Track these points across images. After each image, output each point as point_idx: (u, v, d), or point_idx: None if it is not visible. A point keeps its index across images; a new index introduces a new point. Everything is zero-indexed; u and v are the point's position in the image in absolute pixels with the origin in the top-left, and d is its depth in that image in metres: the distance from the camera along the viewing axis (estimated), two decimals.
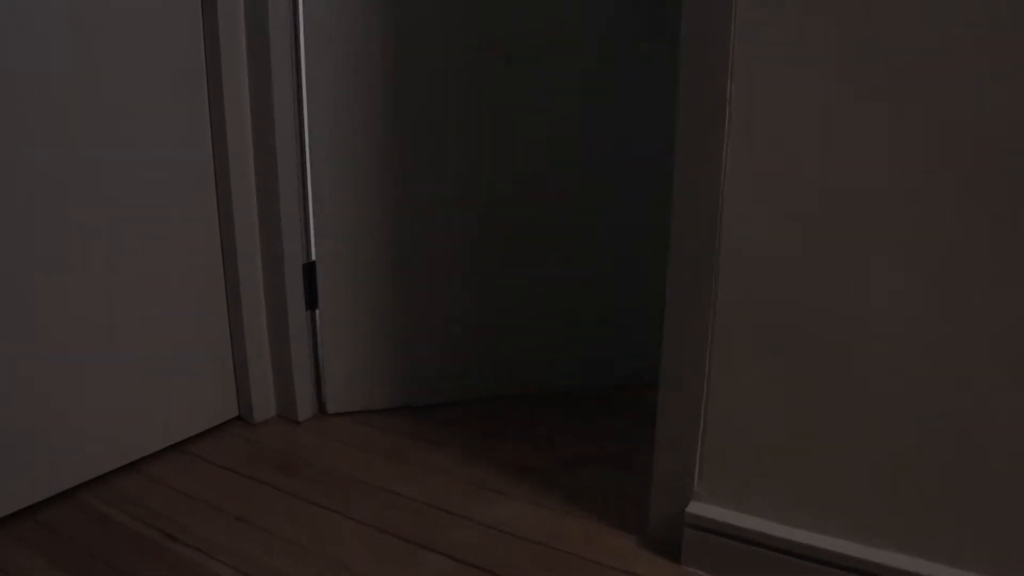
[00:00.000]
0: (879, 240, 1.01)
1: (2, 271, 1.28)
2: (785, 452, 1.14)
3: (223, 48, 1.55)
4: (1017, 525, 1.00)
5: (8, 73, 1.24)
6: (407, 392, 1.84)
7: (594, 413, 1.81)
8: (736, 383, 1.16)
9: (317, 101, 1.61)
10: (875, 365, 1.05)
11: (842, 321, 1.06)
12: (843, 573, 1.10)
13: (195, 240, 1.62)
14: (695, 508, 1.23)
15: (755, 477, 1.18)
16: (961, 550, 1.04)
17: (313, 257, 1.72)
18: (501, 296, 1.79)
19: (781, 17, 1.01)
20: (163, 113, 1.50)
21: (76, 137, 1.36)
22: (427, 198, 1.68)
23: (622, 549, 1.30)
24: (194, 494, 1.49)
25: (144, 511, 1.43)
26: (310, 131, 1.62)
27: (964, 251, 0.96)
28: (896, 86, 0.96)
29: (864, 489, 1.09)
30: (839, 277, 1.05)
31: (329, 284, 1.73)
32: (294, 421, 1.81)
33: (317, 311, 1.77)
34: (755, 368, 1.14)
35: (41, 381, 1.37)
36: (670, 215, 1.15)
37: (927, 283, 0.99)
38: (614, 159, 1.70)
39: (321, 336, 1.78)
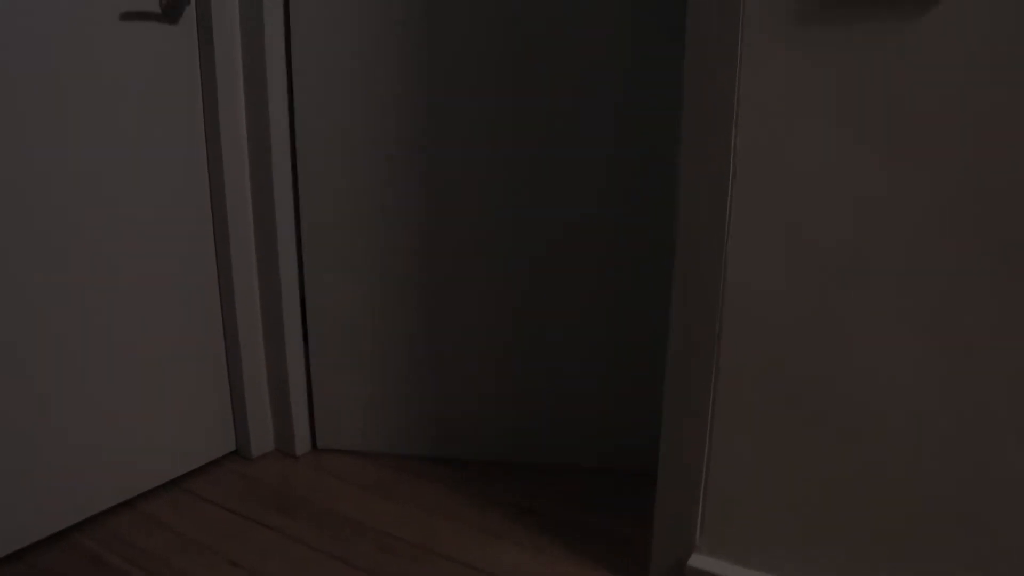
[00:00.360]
0: (889, 304, 0.99)
1: None
2: (788, 511, 1.11)
3: (220, 93, 1.53)
4: None
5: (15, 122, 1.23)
6: (403, 440, 1.78)
7: (604, 489, 1.75)
8: (739, 442, 1.13)
9: (308, 142, 1.60)
10: (882, 433, 1.02)
11: (850, 385, 1.03)
12: None
13: (192, 274, 1.60)
14: (697, 561, 1.20)
15: (758, 533, 1.15)
16: None
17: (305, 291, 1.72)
18: (512, 354, 1.67)
19: (789, 67, 0.99)
20: (161, 161, 1.49)
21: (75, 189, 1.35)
22: (428, 240, 1.64)
23: None
24: (189, 535, 1.47)
25: (137, 553, 1.40)
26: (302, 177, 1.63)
27: (975, 315, 0.94)
28: (910, 148, 0.94)
29: (867, 552, 1.06)
30: (845, 340, 1.02)
31: (322, 322, 1.71)
32: (292, 455, 1.79)
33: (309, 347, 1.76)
34: (758, 427, 1.11)
35: (34, 419, 1.36)
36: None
37: (937, 351, 0.97)
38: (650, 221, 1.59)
39: (314, 372, 1.76)
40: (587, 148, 1.49)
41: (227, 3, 1.52)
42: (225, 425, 1.75)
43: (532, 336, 1.63)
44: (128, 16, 1.39)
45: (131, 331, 1.49)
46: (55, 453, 1.40)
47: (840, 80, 0.96)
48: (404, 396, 1.73)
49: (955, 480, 0.99)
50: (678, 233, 1.11)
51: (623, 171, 1.48)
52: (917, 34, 0.91)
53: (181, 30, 1.49)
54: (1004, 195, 0.89)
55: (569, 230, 1.54)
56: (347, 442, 1.79)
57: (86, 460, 1.45)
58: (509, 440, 1.72)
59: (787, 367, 1.07)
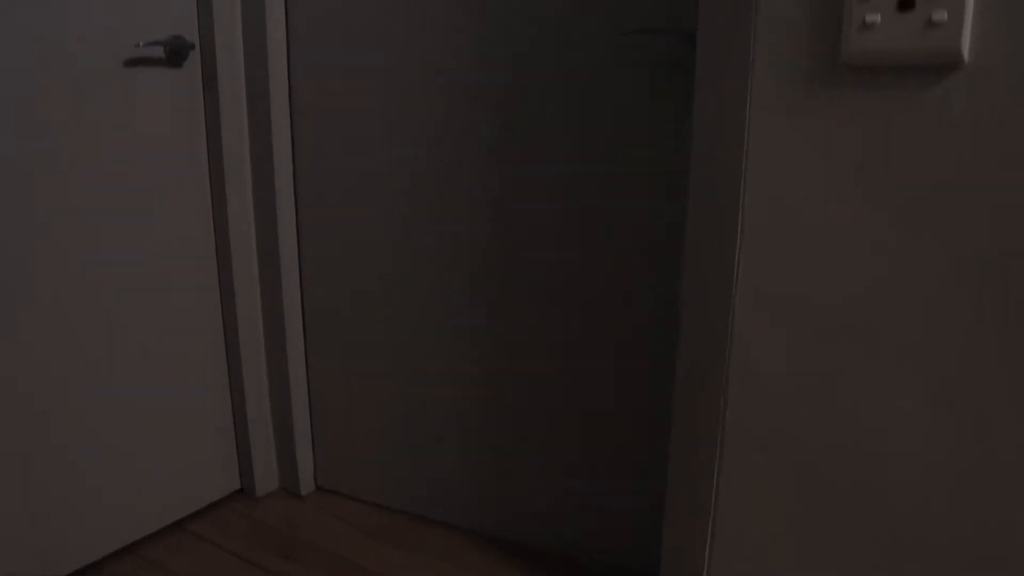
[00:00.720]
0: (898, 371, 0.97)
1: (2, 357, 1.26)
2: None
3: (224, 135, 1.53)
4: None
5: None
6: (402, 495, 1.73)
7: None
8: (745, 509, 1.11)
9: (307, 180, 1.59)
10: (890, 502, 1.00)
11: (858, 451, 1.01)
12: None
13: (196, 313, 1.59)
14: None
15: None
16: None
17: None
18: (514, 419, 1.55)
19: (800, 128, 0.97)
20: (166, 206, 1.48)
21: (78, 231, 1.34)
22: (430, 288, 1.60)
23: None
24: None
25: None
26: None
27: (985, 383, 0.92)
28: (924, 215, 0.92)
29: None
30: (852, 406, 1.00)
31: (321, 367, 1.70)
32: (296, 495, 1.78)
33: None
34: (765, 496, 1.09)
35: (33, 463, 1.35)
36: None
37: (945, 419, 0.94)
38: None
39: (315, 416, 1.75)
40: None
41: (231, 47, 1.51)
42: (229, 464, 1.74)
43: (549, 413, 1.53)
44: (132, 63, 1.38)
45: (133, 372, 1.49)
46: (54, 498, 1.39)
47: (853, 143, 0.95)
48: (407, 453, 1.71)
49: (964, 549, 0.97)
50: (684, 292, 1.09)
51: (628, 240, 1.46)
52: (932, 102, 0.90)
53: (185, 74, 1.48)
54: (1017, 266, 0.87)
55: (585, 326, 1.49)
56: (351, 487, 1.78)
57: (86, 504, 1.44)
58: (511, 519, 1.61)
59: (794, 433, 1.05)
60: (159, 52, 1.42)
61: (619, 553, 1.50)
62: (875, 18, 0.89)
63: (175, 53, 1.44)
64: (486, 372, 1.54)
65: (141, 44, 1.35)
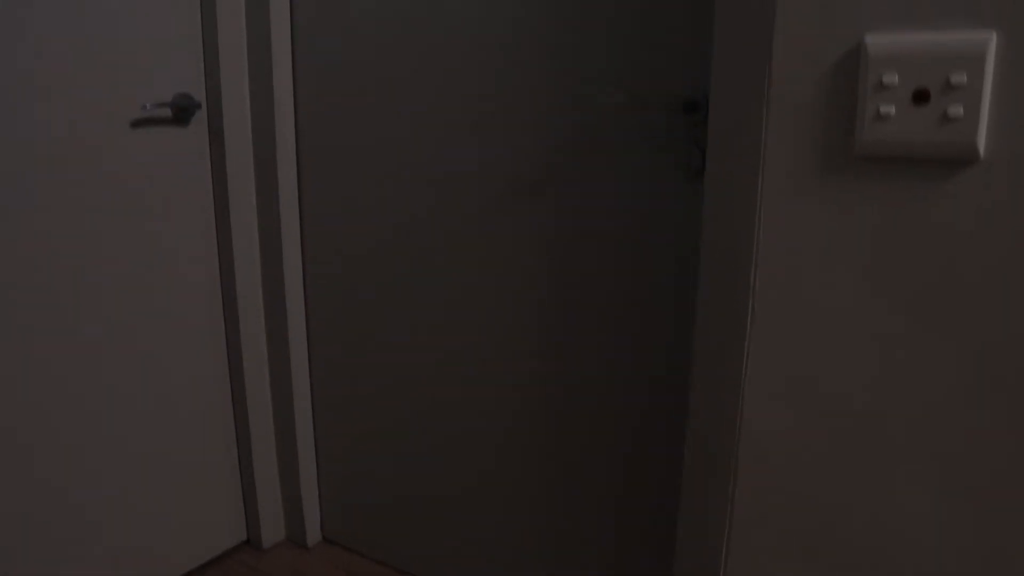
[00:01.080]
0: (904, 454, 0.95)
1: (8, 417, 1.26)
2: None
3: (231, 192, 1.52)
4: None
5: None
6: (406, 552, 1.71)
7: None
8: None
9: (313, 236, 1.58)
10: None
11: (867, 540, 0.99)
12: None
13: (204, 364, 1.59)
14: None
15: None
16: None
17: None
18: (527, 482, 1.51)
19: (812, 215, 0.96)
20: (173, 263, 1.48)
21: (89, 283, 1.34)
22: (438, 347, 1.59)
23: None
24: None
25: None
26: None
27: (991, 470, 0.90)
28: (933, 309, 0.91)
29: None
30: (861, 494, 0.99)
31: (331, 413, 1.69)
32: (303, 546, 1.77)
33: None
34: (773, 568, 1.07)
35: (36, 516, 1.34)
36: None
37: (957, 505, 0.93)
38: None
39: (321, 466, 1.74)
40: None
41: (238, 104, 1.50)
42: (236, 515, 1.73)
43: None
44: (139, 123, 1.38)
45: (140, 425, 1.48)
46: (60, 549, 1.38)
47: (865, 232, 0.93)
48: (404, 510, 1.70)
49: None
50: (693, 375, 1.08)
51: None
52: (946, 195, 0.88)
53: (192, 132, 1.48)
54: None
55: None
56: (357, 538, 1.77)
57: (92, 555, 1.43)
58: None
59: (802, 518, 1.03)
60: (166, 112, 1.41)
61: None
62: (890, 109, 0.88)
63: (182, 111, 1.43)
64: (497, 435, 1.53)
65: (148, 106, 1.35)
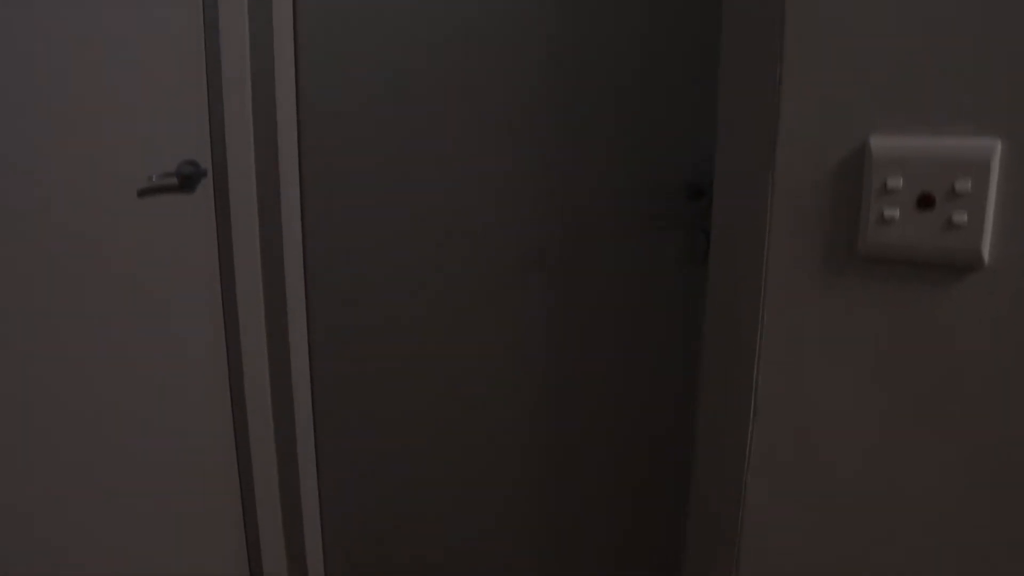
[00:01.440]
0: (911, 547, 0.94)
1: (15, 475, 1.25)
2: None
3: (236, 257, 1.53)
4: None
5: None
6: None
7: None
8: None
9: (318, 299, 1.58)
10: None
11: None
12: None
13: (208, 431, 1.59)
14: None
15: None
16: None
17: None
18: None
19: (816, 312, 0.95)
20: (179, 326, 1.48)
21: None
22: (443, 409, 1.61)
23: None
24: None
25: None
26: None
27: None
28: (939, 415, 0.90)
29: None
30: None
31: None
32: None
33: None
34: None
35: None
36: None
37: None
38: None
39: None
40: None
41: (244, 171, 1.51)
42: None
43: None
44: (146, 192, 1.39)
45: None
46: None
47: (868, 333, 0.93)
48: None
49: None
50: (695, 477, 1.07)
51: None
52: (950, 300, 0.87)
53: (198, 198, 1.48)
54: None
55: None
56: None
57: None
58: None
59: None
60: (172, 181, 1.42)
61: None
62: (894, 213, 0.87)
63: (188, 180, 1.44)
64: (500, 484, 1.52)
65: (154, 177, 1.35)
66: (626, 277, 1.26)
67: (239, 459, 1.66)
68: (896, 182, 0.86)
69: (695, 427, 1.06)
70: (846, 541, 0.98)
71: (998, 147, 0.83)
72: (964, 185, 0.83)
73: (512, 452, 1.47)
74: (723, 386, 1.03)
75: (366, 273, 1.54)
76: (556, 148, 1.29)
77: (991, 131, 0.83)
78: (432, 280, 1.47)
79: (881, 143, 0.87)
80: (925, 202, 0.86)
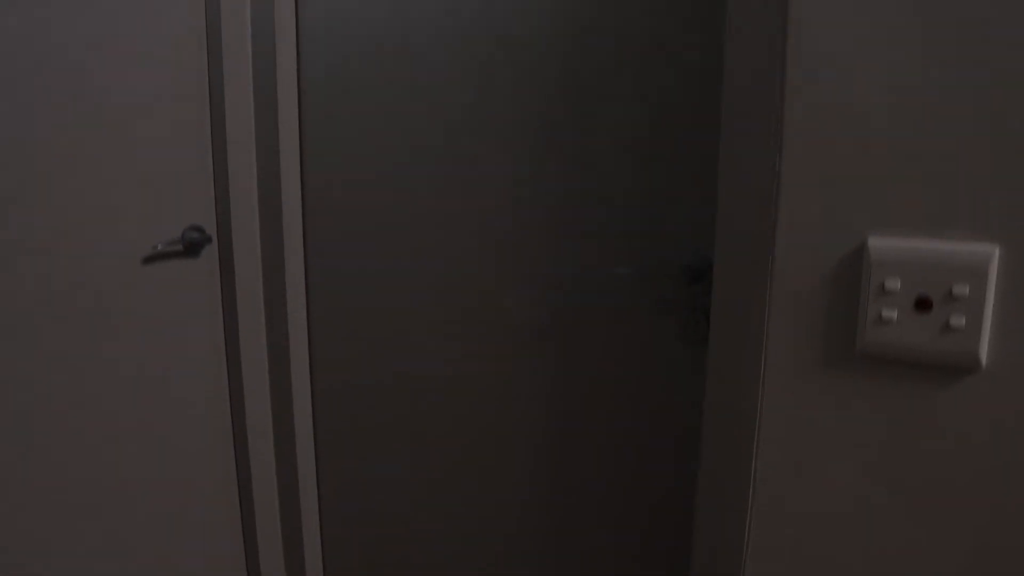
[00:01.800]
0: None
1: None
2: None
3: (241, 320, 1.53)
4: None
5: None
6: None
7: None
8: None
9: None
10: None
11: None
12: None
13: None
14: None
15: None
16: None
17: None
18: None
19: (814, 407, 0.95)
20: (183, 390, 1.48)
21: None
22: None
23: None
24: None
25: None
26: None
27: None
28: (933, 505, 0.89)
29: None
30: None
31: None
32: None
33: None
34: None
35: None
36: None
37: None
38: None
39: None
40: None
41: (248, 235, 1.52)
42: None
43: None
44: (151, 259, 1.40)
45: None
46: None
47: (865, 430, 0.93)
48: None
49: None
50: (694, 556, 1.07)
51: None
52: (948, 401, 0.87)
53: (202, 263, 1.50)
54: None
55: None
56: None
57: None
58: None
59: None
60: (177, 247, 1.43)
61: None
62: (892, 314, 0.88)
63: (192, 246, 1.45)
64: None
65: (159, 246, 1.37)
66: (626, 355, 1.26)
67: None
68: (894, 284, 0.87)
69: (694, 515, 1.06)
70: None
71: (996, 253, 0.83)
72: (962, 290, 0.84)
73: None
74: (721, 477, 1.03)
75: (370, 335, 1.54)
76: (558, 228, 1.30)
77: (988, 236, 0.84)
78: (435, 345, 1.48)
79: (879, 244, 0.88)
80: (923, 305, 0.86)
